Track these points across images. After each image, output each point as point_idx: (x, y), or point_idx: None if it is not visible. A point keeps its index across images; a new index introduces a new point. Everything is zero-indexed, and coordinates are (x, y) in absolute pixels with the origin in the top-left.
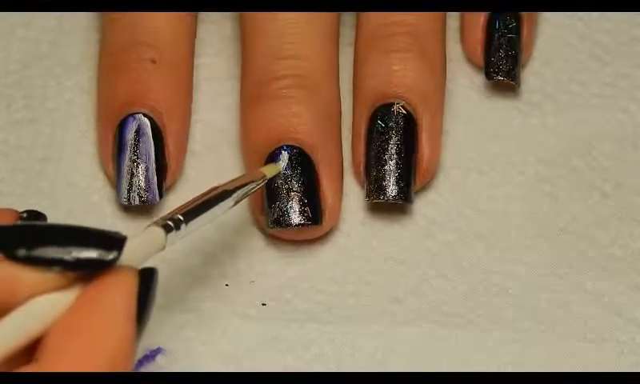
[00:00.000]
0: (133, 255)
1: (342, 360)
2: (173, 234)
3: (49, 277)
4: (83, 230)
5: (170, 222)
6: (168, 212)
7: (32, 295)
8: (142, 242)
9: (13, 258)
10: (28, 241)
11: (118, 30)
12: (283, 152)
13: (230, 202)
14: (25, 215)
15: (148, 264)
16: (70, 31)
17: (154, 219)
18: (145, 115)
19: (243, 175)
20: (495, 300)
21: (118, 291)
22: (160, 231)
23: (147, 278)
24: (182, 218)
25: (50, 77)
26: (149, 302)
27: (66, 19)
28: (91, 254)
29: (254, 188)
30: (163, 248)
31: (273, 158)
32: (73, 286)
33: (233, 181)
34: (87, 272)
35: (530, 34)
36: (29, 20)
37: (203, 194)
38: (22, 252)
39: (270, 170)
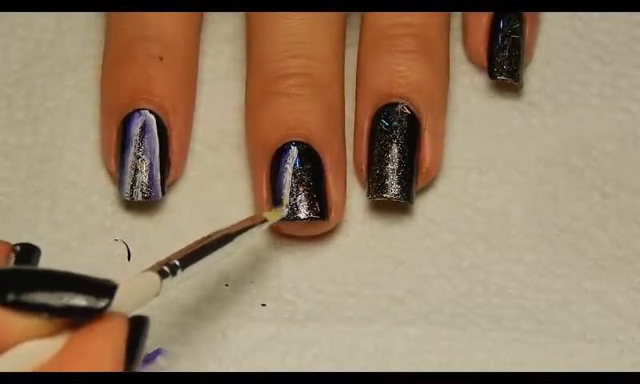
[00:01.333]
0: (126, 300)
1: (342, 360)
2: (168, 279)
3: (37, 322)
4: (73, 276)
5: (165, 268)
6: (165, 257)
7: (20, 340)
8: (136, 287)
9: (1, 302)
10: (17, 286)
11: (125, 24)
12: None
13: (230, 246)
14: (18, 248)
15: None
16: (70, 31)
17: (151, 265)
18: (150, 111)
19: (244, 219)
20: (495, 300)
21: (106, 340)
22: (155, 277)
23: (137, 326)
24: (178, 263)
25: (49, 77)
26: (138, 351)
27: (66, 19)
28: (81, 301)
29: (254, 232)
30: (157, 294)
31: (281, 153)
32: (62, 331)
33: (233, 226)
34: (76, 319)
35: (533, 34)
36: (29, 20)
37: (202, 239)
38: (10, 297)
39: (272, 215)
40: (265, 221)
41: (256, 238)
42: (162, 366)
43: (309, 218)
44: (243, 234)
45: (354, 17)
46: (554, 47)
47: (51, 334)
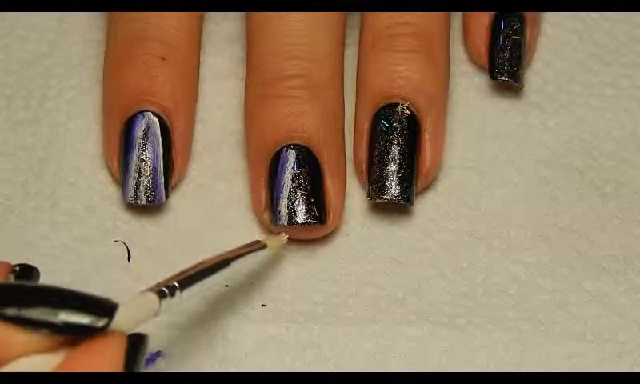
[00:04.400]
0: (125, 319)
1: (341, 360)
2: (167, 300)
3: (37, 338)
4: (74, 294)
5: (165, 289)
6: (163, 279)
7: (20, 354)
8: (135, 307)
9: (2, 317)
10: (18, 301)
11: (127, 24)
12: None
13: (228, 270)
14: (18, 268)
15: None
16: (70, 31)
17: (151, 285)
18: (153, 113)
19: (244, 245)
20: (495, 300)
21: (104, 358)
22: (154, 297)
23: (136, 344)
24: (177, 285)
25: (50, 77)
26: (135, 369)
27: (66, 19)
28: (81, 319)
29: (253, 257)
30: (157, 315)
31: (279, 156)
32: (61, 347)
33: (233, 250)
34: (76, 336)
35: (534, 35)
36: (30, 20)
37: (201, 262)
38: (11, 312)
39: (272, 242)
40: (264, 246)
41: (255, 261)
42: (162, 367)
43: (307, 223)
44: (243, 257)
45: (355, 17)
46: (554, 47)
47: (50, 349)
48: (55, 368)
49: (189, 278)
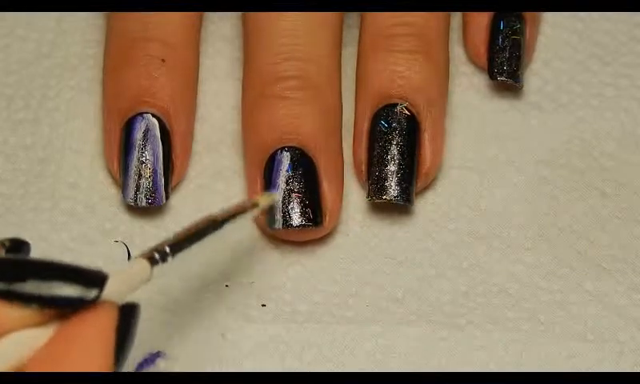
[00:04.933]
0: (116, 289)
1: (341, 360)
2: (159, 266)
3: (27, 312)
4: (64, 266)
5: (156, 254)
6: (156, 243)
7: (11, 330)
8: (127, 275)
9: None
10: (8, 275)
11: (127, 23)
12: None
13: (220, 232)
14: (7, 243)
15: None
16: (71, 31)
17: (143, 251)
18: (153, 115)
19: (234, 205)
20: (495, 300)
21: (96, 328)
22: (145, 263)
23: (128, 314)
24: (168, 249)
25: (50, 77)
26: (128, 339)
27: (66, 19)
28: (71, 291)
29: (245, 217)
30: (148, 281)
31: (274, 159)
32: (53, 321)
33: (223, 211)
34: (67, 309)
35: (533, 35)
36: (29, 20)
37: (192, 225)
38: (1, 286)
39: (263, 199)
40: (256, 205)
41: (247, 222)
42: (162, 367)
43: (301, 226)
44: (234, 218)
45: (354, 16)
46: (554, 47)
47: (42, 323)
48: (47, 342)
49: (180, 242)
